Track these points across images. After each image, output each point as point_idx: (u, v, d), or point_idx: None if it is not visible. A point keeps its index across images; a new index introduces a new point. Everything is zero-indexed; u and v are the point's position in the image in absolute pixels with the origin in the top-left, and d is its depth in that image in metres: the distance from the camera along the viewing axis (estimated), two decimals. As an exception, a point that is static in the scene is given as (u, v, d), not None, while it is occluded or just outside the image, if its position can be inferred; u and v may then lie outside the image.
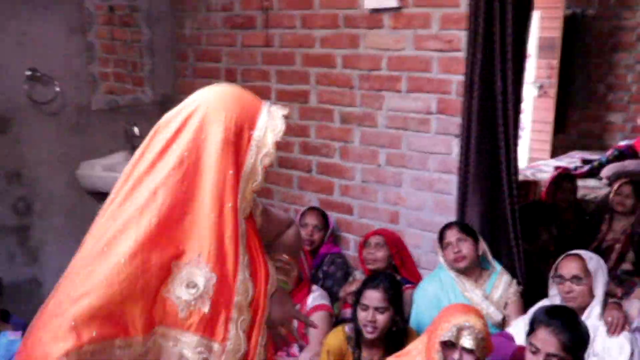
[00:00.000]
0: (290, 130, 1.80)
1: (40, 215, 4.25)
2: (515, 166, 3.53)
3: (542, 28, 6.78)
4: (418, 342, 2.74)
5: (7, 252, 4.14)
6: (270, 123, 1.70)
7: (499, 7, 3.31)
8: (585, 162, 6.41)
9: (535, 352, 2.49)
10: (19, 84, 4.01)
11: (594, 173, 6.17)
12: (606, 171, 5.92)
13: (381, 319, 2.95)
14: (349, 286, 3.72)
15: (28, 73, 4.04)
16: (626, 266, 4.32)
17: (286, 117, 1.73)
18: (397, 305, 3.03)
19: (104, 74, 4.44)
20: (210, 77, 4.65)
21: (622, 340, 3.06)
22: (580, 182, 5.68)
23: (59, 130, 4.24)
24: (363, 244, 3.81)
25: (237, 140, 1.65)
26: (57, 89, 4.14)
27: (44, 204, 4.25)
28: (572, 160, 6.67)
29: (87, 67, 4.32)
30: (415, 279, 3.74)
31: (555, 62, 6.96)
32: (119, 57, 4.52)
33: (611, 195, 4.56)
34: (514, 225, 3.53)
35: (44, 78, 4.09)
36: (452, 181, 3.70)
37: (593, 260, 3.20)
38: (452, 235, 3.38)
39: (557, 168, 5.82)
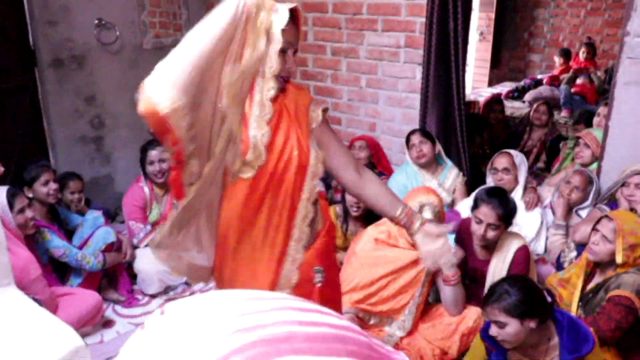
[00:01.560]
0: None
1: (110, 128, 4.19)
2: (463, 87, 3.52)
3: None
4: None
5: (88, 156, 4.11)
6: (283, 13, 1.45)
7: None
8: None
9: (479, 222, 2.51)
10: (90, 30, 3.90)
11: (518, 96, 6.18)
12: (527, 96, 5.97)
13: (363, 201, 2.90)
14: (339, 178, 3.65)
15: (96, 21, 3.90)
16: (540, 164, 4.37)
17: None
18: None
19: (152, 22, 4.30)
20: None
21: (535, 214, 3.14)
22: (508, 104, 5.68)
23: (120, 65, 4.14)
24: (349, 147, 3.71)
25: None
26: (118, 33, 4.01)
27: (113, 120, 4.19)
28: (503, 88, 6.58)
29: (139, 16, 4.16)
30: (388, 172, 3.71)
31: (492, 15, 6.80)
32: (163, 8, 4.35)
33: (531, 113, 4.53)
34: (462, 132, 3.52)
35: (108, 25, 3.96)
36: (416, 99, 3.65)
37: (518, 157, 3.26)
38: (415, 139, 3.34)
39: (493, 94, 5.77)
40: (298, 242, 1.65)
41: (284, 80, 1.56)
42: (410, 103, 3.70)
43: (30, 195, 2.96)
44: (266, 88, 1.51)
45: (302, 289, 1.66)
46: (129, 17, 4.09)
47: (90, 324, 2.83)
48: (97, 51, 3.95)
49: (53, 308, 2.62)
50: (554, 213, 3.12)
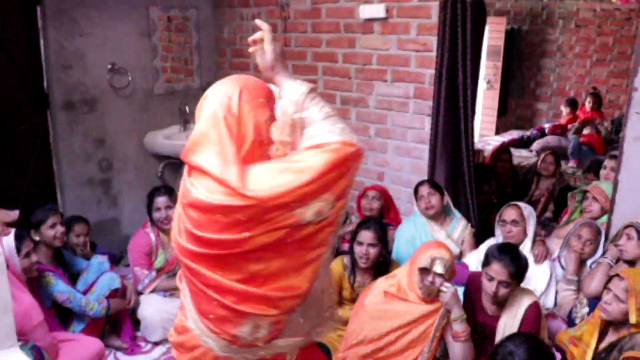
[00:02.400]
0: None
1: (118, 171, 4.23)
2: (472, 138, 3.54)
3: (490, 38, 6.70)
4: (402, 269, 2.69)
5: (95, 198, 4.14)
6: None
7: (461, 20, 3.28)
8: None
9: (491, 279, 2.49)
10: (103, 74, 3.99)
11: (524, 144, 6.23)
12: (535, 145, 6.01)
13: (372, 252, 2.91)
14: (346, 227, 3.65)
15: (109, 66, 4.00)
16: (548, 214, 4.36)
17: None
18: (384, 242, 2.98)
19: (164, 67, 4.41)
20: (242, 69, 4.58)
21: (544, 267, 3.11)
22: (516, 153, 5.72)
23: (131, 109, 4.22)
24: (362, 195, 3.72)
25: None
26: (130, 78, 4.10)
27: (121, 163, 4.23)
28: (510, 136, 6.64)
29: (151, 62, 4.27)
30: (396, 223, 3.69)
31: (499, 64, 6.91)
32: (174, 54, 4.46)
33: (538, 163, 4.54)
34: (470, 183, 3.54)
35: (120, 70, 4.05)
36: (424, 149, 3.68)
37: (527, 209, 3.25)
38: (424, 190, 3.35)
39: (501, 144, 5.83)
40: None
41: None
42: (418, 153, 3.72)
43: (37, 238, 2.97)
44: None
45: None
46: (142, 62, 4.18)
47: (92, 372, 2.79)
48: (109, 95, 4.02)
49: (54, 355, 2.58)
50: (562, 266, 3.11)
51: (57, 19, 3.66)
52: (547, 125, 6.66)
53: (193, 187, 1.43)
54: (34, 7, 3.59)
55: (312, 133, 1.42)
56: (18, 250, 2.62)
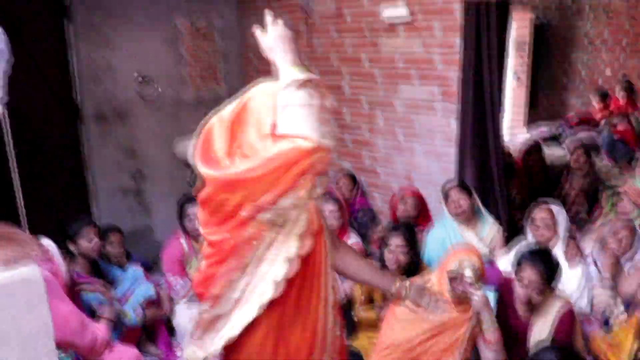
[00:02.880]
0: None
1: (150, 180, 4.34)
2: (501, 140, 3.50)
3: (518, 33, 6.60)
4: (433, 275, 2.68)
5: (128, 208, 4.22)
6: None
7: (486, 20, 3.25)
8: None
9: (522, 283, 2.48)
10: (132, 85, 4.07)
11: (555, 141, 6.09)
12: (567, 142, 5.84)
13: (402, 257, 2.90)
14: (377, 231, 3.65)
15: (137, 77, 4.05)
16: (580, 212, 4.24)
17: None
18: (414, 246, 2.96)
19: (192, 76, 4.44)
20: (268, 75, 4.56)
21: (578, 269, 3.05)
22: (547, 150, 5.60)
23: (160, 118, 4.31)
24: (398, 200, 3.72)
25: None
26: (158, 87, 4.15)
27: (152, 171, 4.34)
28: (540, 130, 6.52)
29: (179, 71, 4.31)
30: (427, 225, 3.66)
31: (527, 58, 6.80)
32: (202, 63, 4.50)
33: (571, 160, 4.43)
34: (500, 183, 3.50)
35: (149, 80, 4.11)
36: (452, 152, 3.65)
37: (557, 209, 3.19)
38: (453, 193, 3.33)
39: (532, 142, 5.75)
40: None
41: None
42: (446, 155, 3.70)
43: (73, 249, 3.05)
44: None
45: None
46: (169, 71, 4.26)
47: (129, 381, 2.86)
48: (138, 105, 4.11)
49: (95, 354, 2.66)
50: (598, 268, 3.06)
51: (86, 32, 3.76)
52: (572, 115, 6.53)
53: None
54: (63, 21, 3.70)
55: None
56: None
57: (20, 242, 1.34)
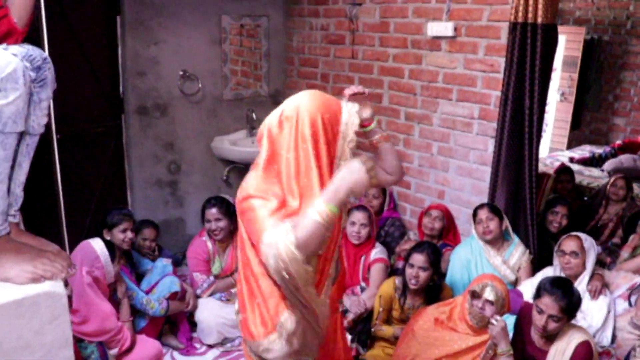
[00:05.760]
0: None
1: (185, 173, 4.44)
2: (536, 164, 3.46)
3: (567, 48, 6.51)
4: (458, 298, 2.74)
5: (162, 199, 4.35)
6: (349, 119, 1.74)
7: (531, 42, 3.22)
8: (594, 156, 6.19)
9: (541, 312, 2.50)
10: (174, 81, 4.19)
11: (596, 163, 5.96)
12: (607, 165, 5.74)
13: (423, 275, 2.94)
14: (403, 244, 3.70)
15: (180, 73, 4.20)
16: (615, 240, 4.18)
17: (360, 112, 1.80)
18: (436, 266, 3.00)
19: (234, 73, 4.54)
20: (310, 78, 4.67)
21: (601, 303, 3.05)
22: (585, 172, 5.51)
23: (200, 114, 4.40)
24: (424, 213, 3.76)
25: (326, 134, 1.69)
26: (200, 84, 4.27)
27: (188, 165, 4.44)
28: (582, 151, 6.41)
29: (221, 69, 4.42)
30: (455, 244, 3.69)
31: (575, 75, 6.68)
32: (244, 60, 4.60)
33: (608, 186, 4.35)
34: (532, 209, 3.47)
35: (191, 76, 4.22)
36: (486, 171, 3.65)
37: (587, 241, 3.18)
38: (483, 214, 3.32)
39: (571, 158, 5.63)
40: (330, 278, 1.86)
41: None
42: (480, 175, 3.70)
43: (108, 237, 3.18)
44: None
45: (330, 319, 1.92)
46: (212, 69, 4.36)
47: (150, 371, 2.99)
48: (179, 100, 4.22)
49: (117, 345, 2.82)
50: (630, 304, 3.02)
51: (135, 28, 3.88)
52: (618, 142, 6.39)
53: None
54: (115, 17, 3.83)
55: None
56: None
57: (50, 256, 1.44)
